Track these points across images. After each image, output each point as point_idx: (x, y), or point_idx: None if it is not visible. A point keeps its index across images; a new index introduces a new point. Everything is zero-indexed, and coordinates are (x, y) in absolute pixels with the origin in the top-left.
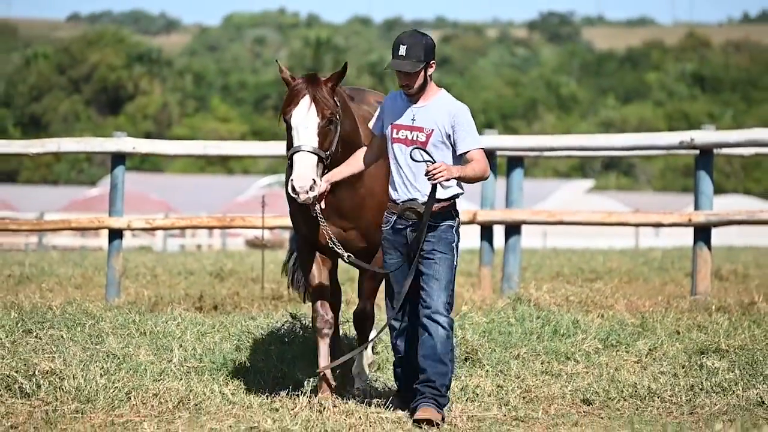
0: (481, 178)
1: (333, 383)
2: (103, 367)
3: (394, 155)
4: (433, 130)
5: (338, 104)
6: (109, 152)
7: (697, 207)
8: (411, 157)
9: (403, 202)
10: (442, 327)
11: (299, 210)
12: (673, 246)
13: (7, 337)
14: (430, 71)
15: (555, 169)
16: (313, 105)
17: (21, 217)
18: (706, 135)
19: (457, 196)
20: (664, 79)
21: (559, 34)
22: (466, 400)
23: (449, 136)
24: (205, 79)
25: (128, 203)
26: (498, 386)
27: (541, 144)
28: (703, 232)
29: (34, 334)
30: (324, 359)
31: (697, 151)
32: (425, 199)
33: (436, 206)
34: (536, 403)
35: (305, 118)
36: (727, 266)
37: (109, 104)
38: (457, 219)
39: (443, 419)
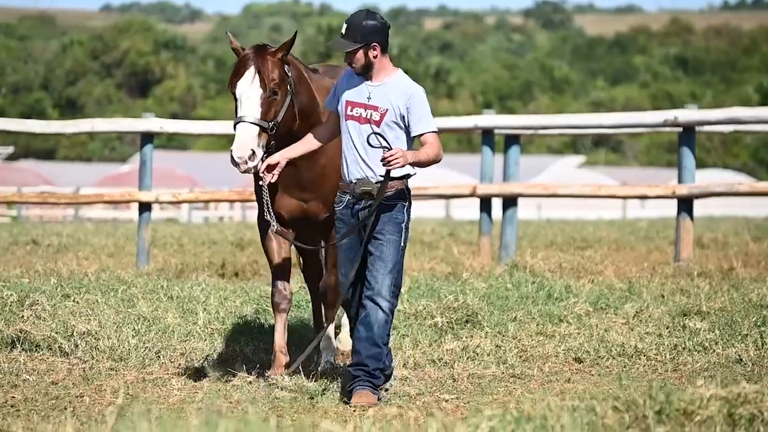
0: (434, 162)
1: (287, 359)
2: (134, 329)
3: (348, 132)
4: (387, 109)
5: (288, 74)
6: (138, 132)
7: (680, 180)
8: (368, 143)
9: (357, 180)
10: (383, 311)
11: (261, 186)
12: (658, 216)
13: (47, 301)
14: (374, 53)
15: (548, 146)
16: (257, 76)
17: (59, 191)
18: (688, 114)
19: (409, 175)
20: (650, 62)
21: (552, 21)
22: (467, 359)
23: (403, 117)
24: (226, 64)
25: (156, 178)
26: (496, 346)
27: (535, 123)
28: (685, 204)
29: (72, 298)
30: (280, 336)
31: (680, 129)
32: (377, 177)
33: (389, 185)
34: (532, 361)
35: (248, 89)
36: (708, 235)
37: (139, 87)
38: (409, 199)
39: (379, 399)
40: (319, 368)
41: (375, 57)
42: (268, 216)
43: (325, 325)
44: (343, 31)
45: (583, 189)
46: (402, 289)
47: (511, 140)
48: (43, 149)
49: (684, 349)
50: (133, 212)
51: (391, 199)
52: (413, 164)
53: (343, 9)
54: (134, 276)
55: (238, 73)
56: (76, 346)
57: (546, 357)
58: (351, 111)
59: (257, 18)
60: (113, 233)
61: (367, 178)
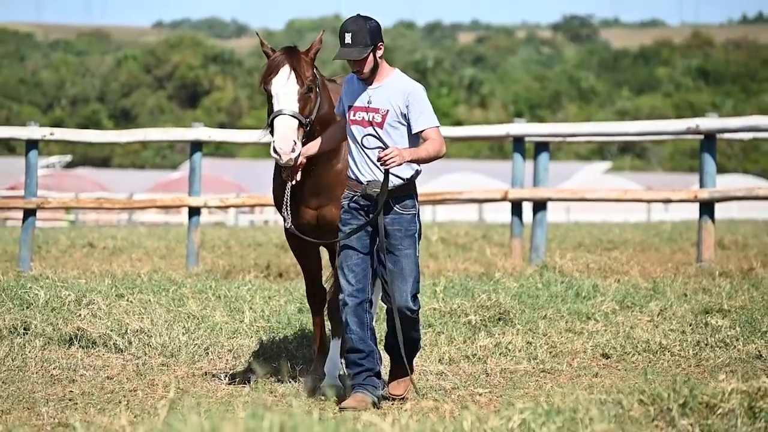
0: (436, 158)
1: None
2: (184, 327)
3: (354, 137)
4: (388, 110)
5: (317, 76)
6: (188, 140)
7: (702, 185)
8: (363, 144)
9: (369, 182)
10: (410, 318)
11: (281, 189)
12: (681, 219)
13: (103, 300)
14: (380, 53)
15: (576, 153)
16: (292, 73)
17: (113, 197)
18: (709, 122)
19: (416, 174)
20: (673, 73)
21: (579, 35)
22: (500, 354)
23: (404, 115)
24: None
25: (205, 185)
26: (528, 342)
27: (564, 131)
28: (707, 207)
29: (126, 298)
30: (319, 336)
31: (702, 136)
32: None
33: (398, 185)
34: (561, 357)
35: (285, 86)
36: (729, 237)
37: (189, 99)
38: (417, 203)
39: (418, 393)
40: (320, 392)
41: (381, 57)
42: (286, 213)
43: (331, 342)
44: (349, 40)
45: (610, 193)
46: (437, 288)
47: (541, 147)
48: (99, 157)
49: (706, 345)
50: (183, 216)
51: (404, 207)
52: (413, 161)
53: (383, 24)
54: (184, 277)
55: (272, 71)
56: (130, 342)
57: (575, 353)
58: (354, 116)
59: (300, 33)
60: (164, 236)
61: (378, 180)
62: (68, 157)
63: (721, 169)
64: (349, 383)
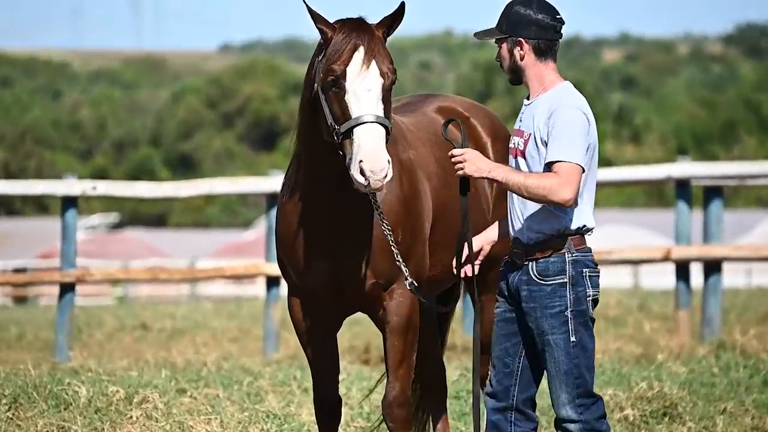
0: (543, 199)
1: None
2: (263, 429)
3: None
4: (531, 134)
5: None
6: (264, 192)
7: None
8: (442, 134)
9: (513, 238)
10: None
11: (294, 241)
12: None
13: (160, 397)
14: (521, 52)
15: (758, 198)
16: (374, 62)
17: (171, 264)
18: None
19: (570, 228)
20: None
21: (759, 48)
22: None
23: (545, 142)
24: None
25: None
26: None
27: (741, 171)
28: None
29: (189, 393)
30: None
31: None
32: (526, 237)
33: (532, 240)
34: None
35: (366, 79)
36: None
37: (264, 139)
38: (570, 270)
39: None
40: None
41: (522, 59)
42: (397, 257)
43: None
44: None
45: None
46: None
47: (712, 192)
48: (153, 215)
49: None
50: (259, 287)
51: (542, 274)
52: (500, 183)
53: None
54: (261, 365)
55: (342, 56)
56: None
57: None
58: (510, 143)
59: (403, 53)
60: (236, 314)
61: (518, 239)
62: (114, 217)
63: None
64: None
